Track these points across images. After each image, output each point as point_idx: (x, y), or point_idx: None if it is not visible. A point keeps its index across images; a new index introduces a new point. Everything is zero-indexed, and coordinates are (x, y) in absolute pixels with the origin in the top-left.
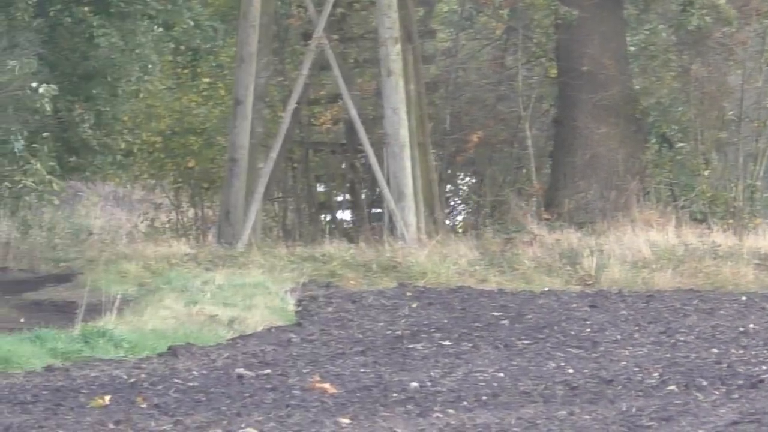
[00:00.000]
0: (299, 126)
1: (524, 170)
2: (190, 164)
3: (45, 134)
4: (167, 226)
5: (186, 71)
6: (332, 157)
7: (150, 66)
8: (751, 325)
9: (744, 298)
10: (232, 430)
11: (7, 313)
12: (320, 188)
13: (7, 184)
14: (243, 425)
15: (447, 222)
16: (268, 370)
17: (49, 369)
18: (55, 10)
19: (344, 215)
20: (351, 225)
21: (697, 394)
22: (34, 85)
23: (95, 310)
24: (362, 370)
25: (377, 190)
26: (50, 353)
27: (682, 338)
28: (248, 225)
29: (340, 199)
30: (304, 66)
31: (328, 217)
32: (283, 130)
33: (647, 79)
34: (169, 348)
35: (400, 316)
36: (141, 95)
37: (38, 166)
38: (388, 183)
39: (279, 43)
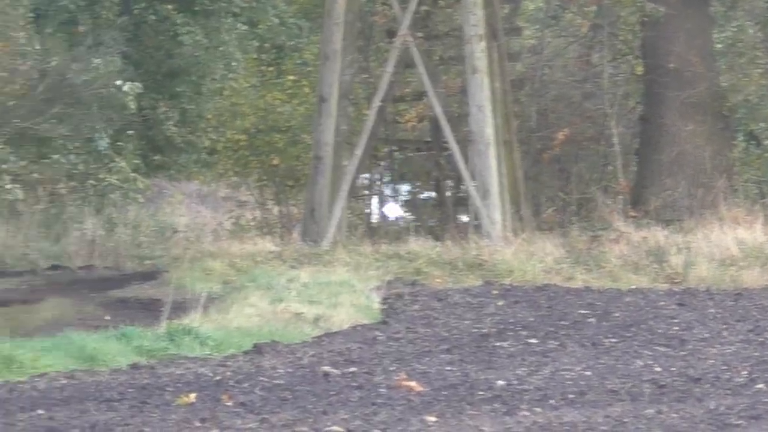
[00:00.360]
0: (384, 123)
1: (611, 168)
2: (275, 162)
3: (130, 132)
4: (252, 223)
5: (270, 69)
6: (417, 154)
7: (234, 64)
8: None
9: None
10: (318, 429)
11: (93, 310)
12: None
13: (92, 181)
14: (329, 423)
15: (533, 219)
16: (354, 368)
17: (134, 367)
18: (139, 8)
19: (392, 210)
20: (437, 223)
21: None
22: (118, 83)
23: (180, 307)
24: (448, 368)
25: (462, 187)
26: (136, 351)
27: None
28: (333, 223)
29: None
30: (389, 63)
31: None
32: (368, 128)
33: (734, 76)
34: (255, 346)
35: (486, 314)
36: (225, 93)
37: (123, 164)
38: (473, 181)
39: (364, 41)
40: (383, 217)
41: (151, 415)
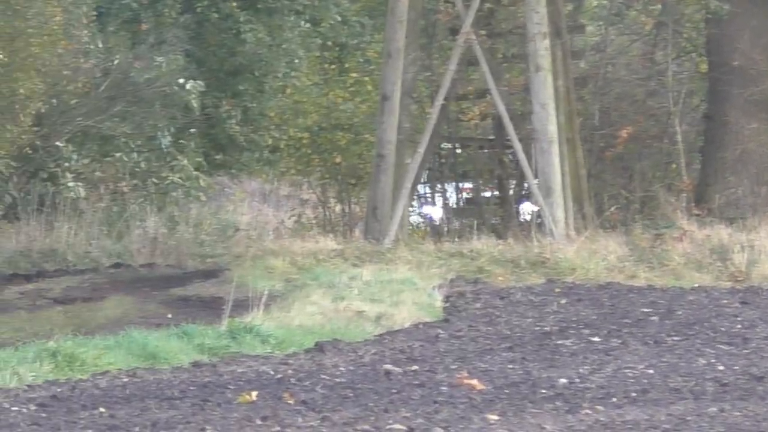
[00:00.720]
0: (447, 121)
1: (674, 166)
2: (337, 160)
3: (192, 130)
4: (314, 221)
5: (333, 67)
6: (480, 152)
7: (297, 62)
8: None
9: None
10: (379, 427)
11: (155, 308)
12: (468, 184)
13: (154, 180)
14: (390, 421)
15: (595, 217)
16: (416, 366)
17: (196, 365)
18: (202, 6)
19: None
20: (499, 221)
21: None
22: (181, 81)
23: (242, 305)
24: (510, 366)
25: (525, 185)
26: (197, 349)
27: None
28: (395, 221)
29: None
30: (451, 61)
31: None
32: (431, 126)
33: None
34: (316, 344)
35: (548, 312)
36: (288, 91)
37: (185, 162)
38: (536, 179)
39: (426, 39)
40: (426, 218)
41: (213, 413)
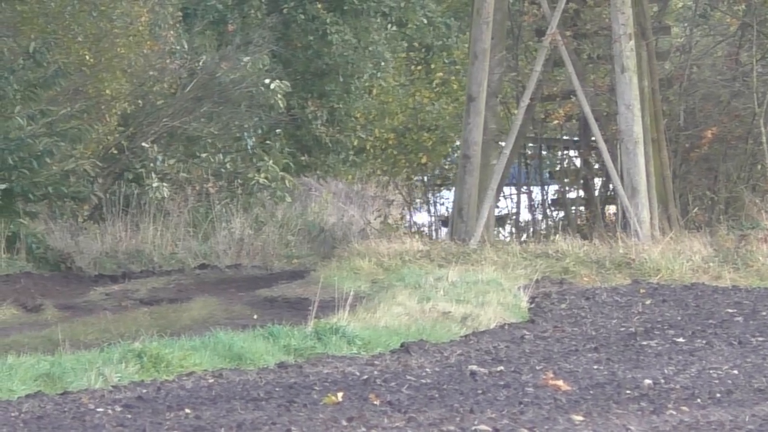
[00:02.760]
0: (532, 122)
1: (759, 166)
2: (423, 161)
3: (278, 131)
4: (400, 222)
5: (419, 68)
6: (565, 153)
7: (383, 63)
8: None
9: None
10: (465, 427)
11: (241, 309)
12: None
13: (240, 180)
14: (476, 422)
15: (680, 218)
16: (501, 367)
17: (282, 366)
18: (288, 7)
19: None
20: (585, 222)
21: None
22: (267, 81)
23: (328, 306)
24: (595, 367)
25: (611, 186)
26: (283, 350)
27: None
28: (481, 222)
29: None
30: (537, 62)
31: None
32: (517, 127)
33: None
34: (402, 345)
35: (633, 313)
36: (374, 92)
37: (271, 163)
38: (621, 179)
39: (512, 40)
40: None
41: (298, 414)
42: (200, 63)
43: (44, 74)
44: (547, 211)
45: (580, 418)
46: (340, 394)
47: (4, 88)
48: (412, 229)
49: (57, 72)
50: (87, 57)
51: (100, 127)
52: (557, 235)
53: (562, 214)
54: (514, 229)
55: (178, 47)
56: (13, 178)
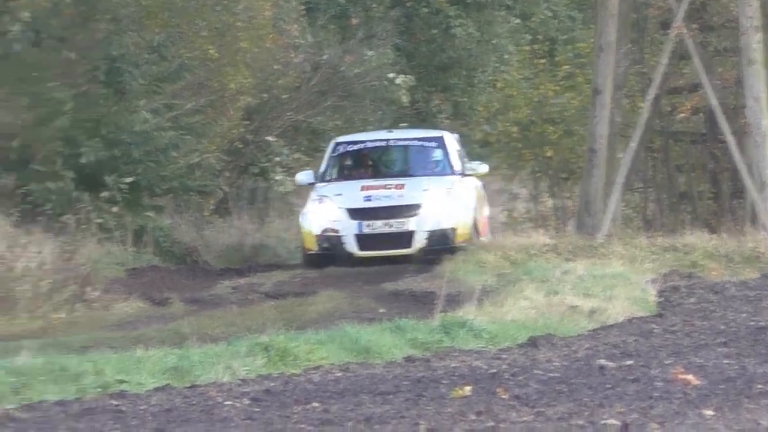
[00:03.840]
0: (659, 115)
1: None
2: (549, 154)
3: (402, 125)
4: (526, 216)
5: (543, 61)
6: (692, 146)
7: (507, 56)
8: None
9: None
10: (594, 422)
11: (367, 303)
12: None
13: None
14: (605, 416)
15: None
16: (630, 361)
17: (409, 359)
18: (411, 1)
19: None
20: (713, 215)
21: None
22: (391, 75)
23: (454, 300)
24: (725, 361)
25: (739, 180)
26: (410, 344)
27: None
28: (608, 215)
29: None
30: (663, 55)
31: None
32: (643, 120)
33: None
34: (530, 338)
35: (763, 307)
36: (498, 85)
37: None
38: (750, 173)
39: (638, 32)
40: None
41: (426, 407)
42: (324, 57)
43: (168, 68)
44: (675, 204)
45: (711, 412)
46: (468, 388)
47: (129, 82)
48: (538, 223)
49: (181, 66)
50: (211, 51)
51: (225, 121)
52: (685, 229)
53: (689, 207)
54: (641, 223)
55: (302, 41)
56: (139, 172)
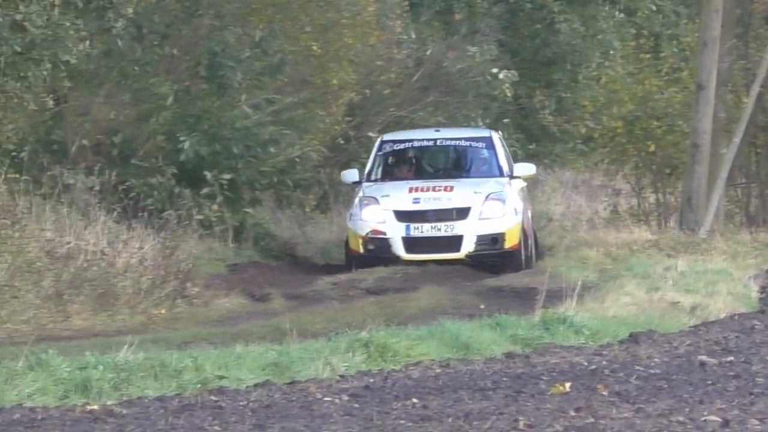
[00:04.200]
0: (762, 111)
1: None
2: (652, 149)
3: (505, 120)
4: (628, 212)
5: (647, 56)
6: None
7: (611, 52)
8: None
9: None
10: (694, 418)
11: (467, 299)
12: None
13: None
14: (705, 413)
15: None
16: (731, 358)
17: (509, 355)
18: None
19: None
20: None
21: None
22: (494, 71)
23: (555, 296)
24: None
25: None
26: (510, 340)
27: None
28: (710, 211)
29: None
30: (767, 50)
31: None
32: (746, 115)
33: None
34: (631, 335)
35: None
36: (602, 80)
37: None
38: None
39: (742, 28)
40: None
41: (526, 403)
42: (427, 53)
43: (270, 63)
44: None
45: None
46: (567, 384)
47: (231, 77)
48: (640, 218)
49: (282, 60)
50: (314, 47)
51: (327, 117)
52: None
53: None
54: (744, 219)
55: (405, 37)
56: (239, 168)
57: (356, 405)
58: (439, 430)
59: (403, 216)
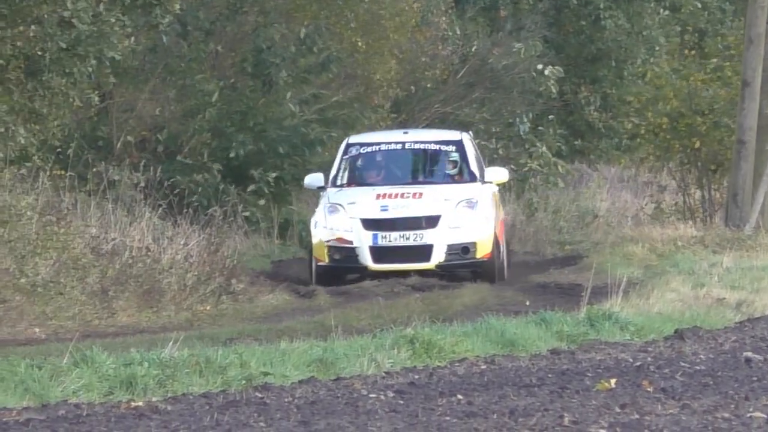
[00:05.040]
0: None
1: None
2: (697, 146)
3: (550, 117)
4: (673, 208)
5: (692, 53)
6: None
7: (656, 48)
8: None
9: None
10: (739, 414)
11: (513, 295)
12: None
13: (512, 166)
14: (750, 409)
15: None
16: None
17: (554, 352)
18: None
19: None
20: None
21: None
22: (539, 67)
23: (600, 292)
24: None
25: None
26: (556, 336)
27: None
28: (756, 207)
29: None
30: None
31: None
32: None
33: None
34: (676, 331)
35: None
36: (647, 77)
37: (543, 148)
38: None
39: None
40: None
41: (571, 400)
42: (472, 49)
43: (316, 60)
44: None
45: None
46: (612, 381)
47: (276, 74)
48: (686, 215)
49: (328, 57)
50: (359, 43)
51: (372, 113)
52: None
53: None
54: None
55: (450, 33)
56: (285, 167)
57: (401, 401)
58: (484, 427)
59: (370, 224)
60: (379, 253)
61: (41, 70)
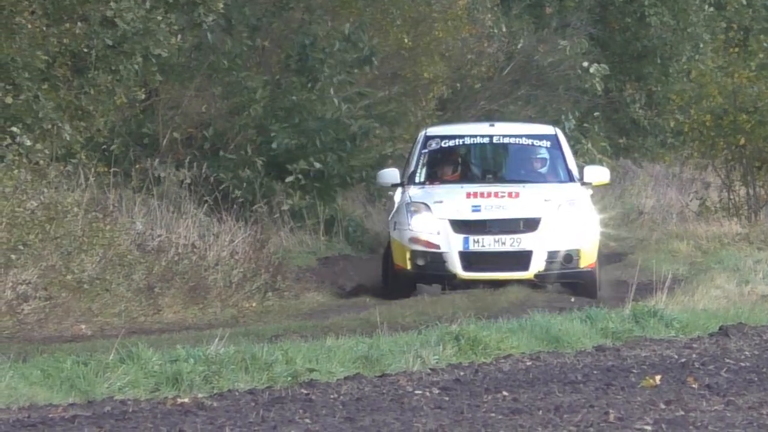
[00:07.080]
0: None
1: None
2: (742, 143)
3: (596, 114)
4: (718, 205)
5: (737, 50)
6: None
7: (701, 45)
8: None
9: None
10: None
11: (558, 292)
12: None
13: None
14: None
15: None
16: None
17: (599, 349)
18: None
19: None
20: None
21: None
22: (585, 64)
23: (646, 289)
24: None
25: None
26: (601, 333)
27: None
28: None
29: None
30: None
31: None
32: None
33: None
34: (721, 328)
35: None
36: (692, 74)
37: (589, 145)
38: None
39: None
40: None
41: (616, 396)
42: (518, 46)
43: (360, 56)
44: None
45: None
46: (657, 377)
47: (321, 70)
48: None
49: (371, 51)
50: (405, 41)
51: (418, 111)
52: None
53: None
54: None
55: (495, 31)
56: (328, 161)
57: (447, 398)
58: (529, 423)
59: (460, 226)
60: (470, 259)
61: (87, 68)
